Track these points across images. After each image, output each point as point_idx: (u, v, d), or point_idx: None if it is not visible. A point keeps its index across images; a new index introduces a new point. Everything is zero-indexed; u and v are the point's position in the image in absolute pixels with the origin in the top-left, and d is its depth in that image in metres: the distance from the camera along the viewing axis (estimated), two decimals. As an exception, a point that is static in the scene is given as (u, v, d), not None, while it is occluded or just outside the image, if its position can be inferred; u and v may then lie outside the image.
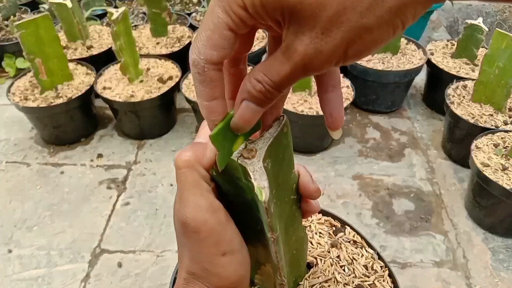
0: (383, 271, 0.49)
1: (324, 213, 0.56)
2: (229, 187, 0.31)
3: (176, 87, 1.42)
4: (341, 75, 1.36)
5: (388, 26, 0.22)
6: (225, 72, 0.30)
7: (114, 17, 1.26)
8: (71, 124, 1.44)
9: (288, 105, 1.29)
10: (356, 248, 0.52)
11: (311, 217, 0.55)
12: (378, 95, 1.54)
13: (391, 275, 0.49)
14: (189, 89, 1.38)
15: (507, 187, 1.01)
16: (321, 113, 1.26)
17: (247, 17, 0.24)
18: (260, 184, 0.27)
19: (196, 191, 0.30)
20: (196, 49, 0.25)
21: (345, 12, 0.21)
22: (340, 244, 0.52)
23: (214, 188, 0.32)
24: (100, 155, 1.43)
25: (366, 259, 0.50)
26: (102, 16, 1.95)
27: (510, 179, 1.04)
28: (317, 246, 0.51)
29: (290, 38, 0.23)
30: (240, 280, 0.32)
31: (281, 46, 0.24)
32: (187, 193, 0.30)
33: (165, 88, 1.40)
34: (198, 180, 0.30)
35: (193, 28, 1.77)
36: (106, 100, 1.38)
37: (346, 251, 0.51)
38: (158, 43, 1.66)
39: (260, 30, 1.70)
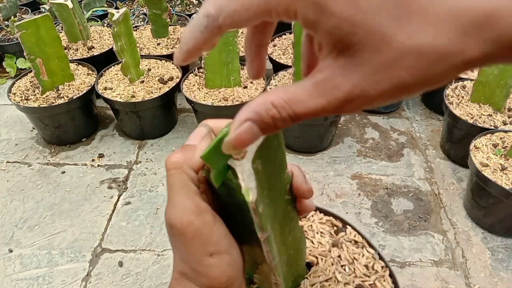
0: (384, 271, 0.50)
1: (326, 212, 0.57)
2: (221, 188, 0.31)
3: (177, 88, 1.43)
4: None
5: (431, 85, 0.21)
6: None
7: (115, 18, 1.26)
8: (72, 124, 1.44)
9: (288, 106, 1.30)
10: (357, 248, 0.52)
11: (313, 216, 0.56)
12: (378, 95, 1.54)
13: (391, 275, 0.49)
14: (190, 89, 1.39)
15: (506, 187, 1.02)
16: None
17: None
18: (248, 185, 0.27)
19: (183, 192, 0.30)
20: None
21: (403, 57, 0.20)
22: (341, 243, 0.52)
23: (206, 189, 0.32)
24: (101, 155, 1.43)
25: (367, 259, 0.51)
26: (103, 16, 1.95)
27: (509, 179, 1.05)
28: (318, 245, 0.52)
29: (334, 72, 0.21)
30: (229, 281, 0.32)
31: (315, 76, 0.22)
32: (174, 194, 0.30)
33: (165, 88, 1.41)
34: (186, 182, 0.30)
35: (193, 28, 1.78)
36: (107, 100, 1.39)
37: (347, 251, 0.51)
38: (158, 44, 1.67)
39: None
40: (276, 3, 0.21)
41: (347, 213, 1.21)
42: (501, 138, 1.18)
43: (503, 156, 1.11)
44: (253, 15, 0.22)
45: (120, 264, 1.08)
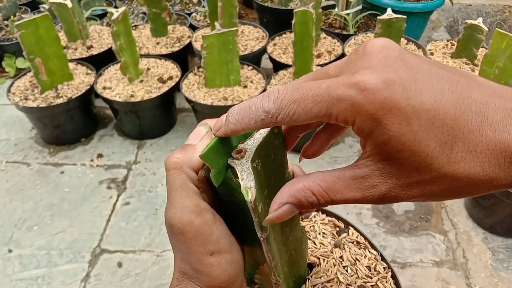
0: (386, 272, 0.49)
1: (328, 213, 0.56)
2: (221, 188, 0.31)
3: (176, 87, 1.42)
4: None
5: (456, 198, 0.24)
6: None
7: (114, 17, 1.26)
8: (71, 124, 1.43)
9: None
10: (359, 249, 0.52)
11: (315, 217, 0.56)
12: (378, 95, 1.54)
13: (394, 276, 0.49)
14: (189, 89, 1.38)
15: (507, 187, 1.01)
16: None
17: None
18: (247, 184, 0.27)
19: (183, 192, 0.30)
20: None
21: (439, 178, 0.23)
22: (343, 244, 0.52)
23: (206, 189, 0.32)
24: (100, 155, 1.43)
25: (369, 260, 0.50)
26: (102, 16, 1.94)
27: (510, 179, 1.04)
28: (320, 246, 0.51)
29: (372, 173, 0.24)
30: (230, 280, 0.32)
31: (354, 171, 0.25)
32: (174, 194, 0.30)
33: (165, 88, 1.40)
34: (185, 182, 0.30)
35: (193, 28, 1.77)
36: (106, 100, 1.38)
37: (349, 252, 0.51)
38: (158, 43, 1.66)
39: (260, 30, 1.70)
40: (337, 112, 0.23)
41: (348, 213, 1.20)
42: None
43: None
44: (311, 118, 0.24)
45: (119, 264, 1.07)
